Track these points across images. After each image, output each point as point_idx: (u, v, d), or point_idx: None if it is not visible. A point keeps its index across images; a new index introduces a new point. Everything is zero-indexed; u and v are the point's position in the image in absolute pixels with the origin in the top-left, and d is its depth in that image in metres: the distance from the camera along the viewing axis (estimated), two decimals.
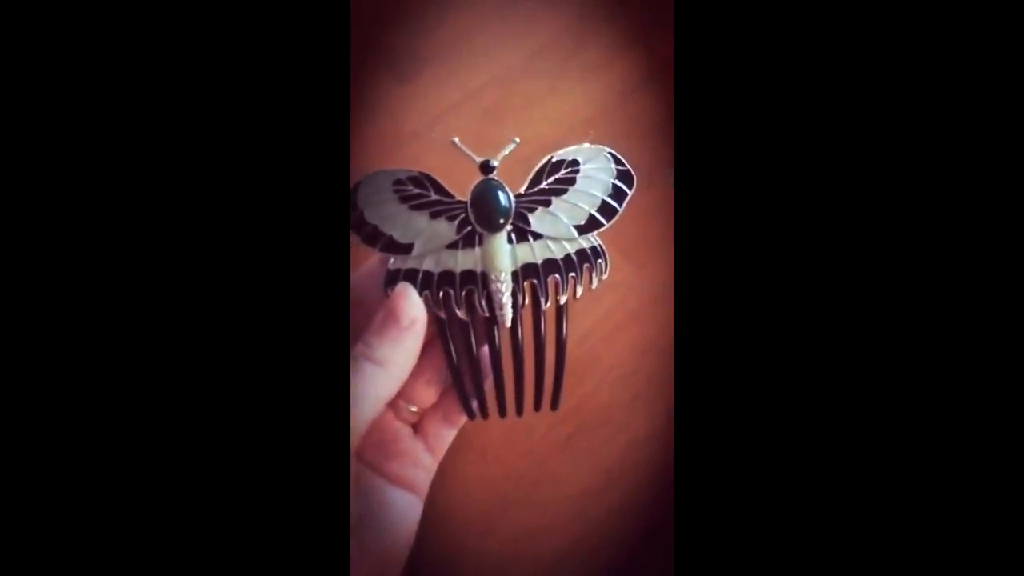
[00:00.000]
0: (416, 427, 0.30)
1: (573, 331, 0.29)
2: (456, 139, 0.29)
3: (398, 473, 0.29)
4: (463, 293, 0.28)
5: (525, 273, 0.29)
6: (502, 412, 0.30)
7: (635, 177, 0.29)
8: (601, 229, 0.29)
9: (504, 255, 0.29)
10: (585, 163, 0.29)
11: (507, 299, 0.28)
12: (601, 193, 0.29)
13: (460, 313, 0.28)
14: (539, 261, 0.29)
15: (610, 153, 0.29)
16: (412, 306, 0.27)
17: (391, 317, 0.27)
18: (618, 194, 0.29)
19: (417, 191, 0.29)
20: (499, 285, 0.28)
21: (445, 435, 0.30)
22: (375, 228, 0.28)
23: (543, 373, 0.29)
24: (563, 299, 0.29)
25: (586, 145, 0.29)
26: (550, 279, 0.29)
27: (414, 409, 0.30)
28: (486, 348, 0.29)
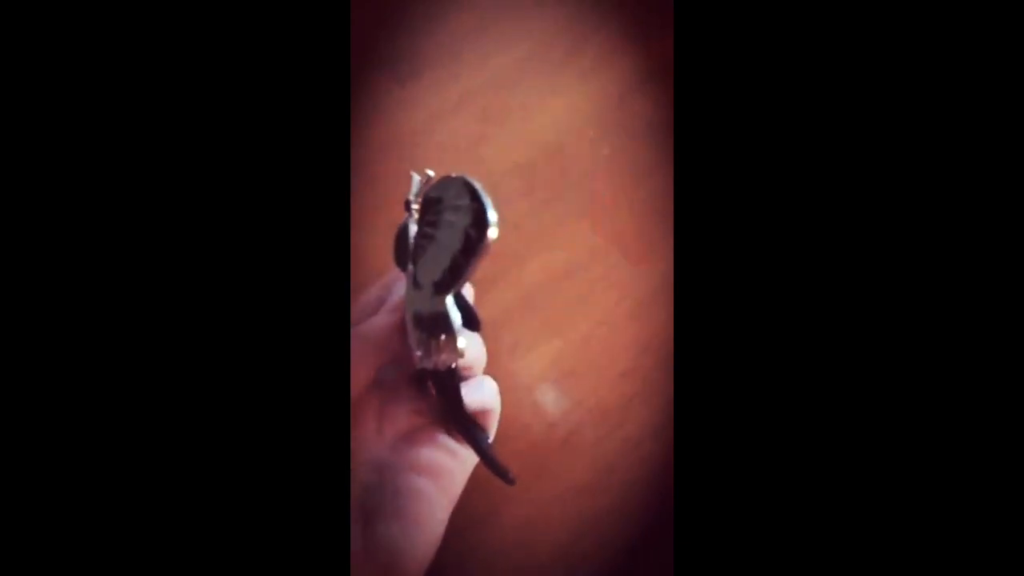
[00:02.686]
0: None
1: (572, 330, 0.28)
2: (413, 172, 0.26)
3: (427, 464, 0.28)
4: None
5: (416, 322, 0.25)
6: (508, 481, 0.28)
7: (490, 219, 0.22)
8: (446, 295, 0.24)
9: (409, 299, 0.25)
10: (444, 202, 0.24)
11: (417, 348, 0.25)
12: (452, 245, 0.23)
13: (418, 355, 0.25)
14: (424, 313, 0.24)
15: (466, 184, 0.23)
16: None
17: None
18: (467, 247, 0.23)
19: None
20: (411, 331, 0.25)
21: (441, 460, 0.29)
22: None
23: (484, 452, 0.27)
24: (445, 358, 0.24)
25: (436, 176, 0.25)
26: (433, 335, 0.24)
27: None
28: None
